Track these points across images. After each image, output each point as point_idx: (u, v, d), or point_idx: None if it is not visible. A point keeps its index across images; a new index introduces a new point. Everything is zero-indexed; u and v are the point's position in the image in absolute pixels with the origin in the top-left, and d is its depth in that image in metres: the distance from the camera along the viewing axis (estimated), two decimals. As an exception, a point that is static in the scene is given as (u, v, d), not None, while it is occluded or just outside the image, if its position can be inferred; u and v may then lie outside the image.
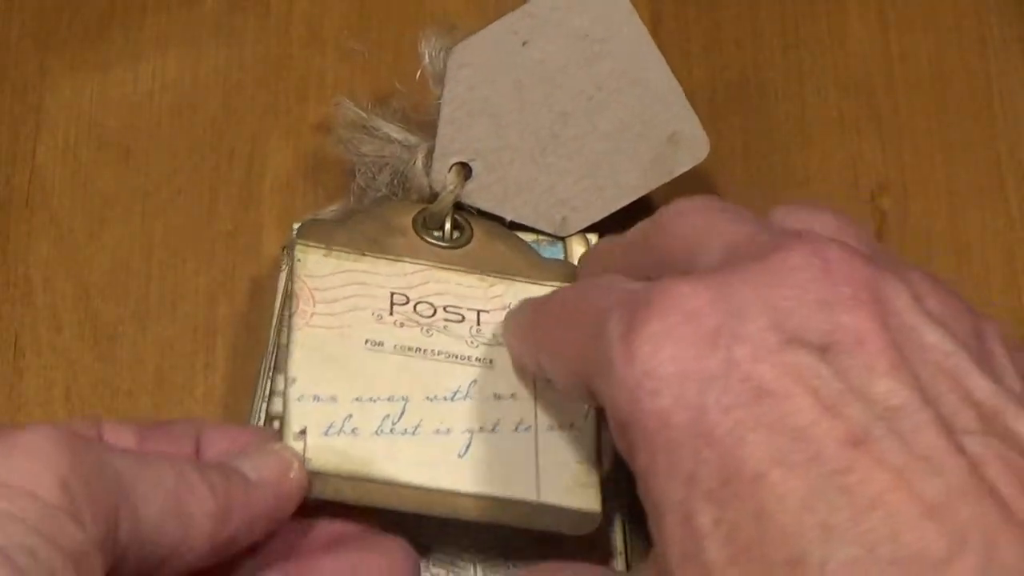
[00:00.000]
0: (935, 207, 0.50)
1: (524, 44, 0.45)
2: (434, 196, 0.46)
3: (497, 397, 0.43)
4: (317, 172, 0.50)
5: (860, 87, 0.51)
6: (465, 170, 0.47)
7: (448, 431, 0.42)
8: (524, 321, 0.42)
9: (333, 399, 0.42)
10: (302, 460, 0.40)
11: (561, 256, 0.47)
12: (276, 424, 0.43)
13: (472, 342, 0.44)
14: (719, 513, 0.32)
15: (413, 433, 0.42)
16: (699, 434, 0.32)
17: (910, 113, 0.51)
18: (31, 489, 0.32)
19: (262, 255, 0.49)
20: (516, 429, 0.42)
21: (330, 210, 0.48)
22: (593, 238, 0.47)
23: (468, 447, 0.42)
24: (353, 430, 0.42)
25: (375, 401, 0.43)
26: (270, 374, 0.45)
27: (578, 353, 0.36)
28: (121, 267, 0.49)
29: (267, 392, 0.45)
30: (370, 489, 0.41)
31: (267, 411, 0.44)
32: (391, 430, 0.42)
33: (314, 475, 0.40)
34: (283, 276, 0.46)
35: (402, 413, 0.43)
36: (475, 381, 0.43)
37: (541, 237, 0.47)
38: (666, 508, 0.33)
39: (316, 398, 0.42)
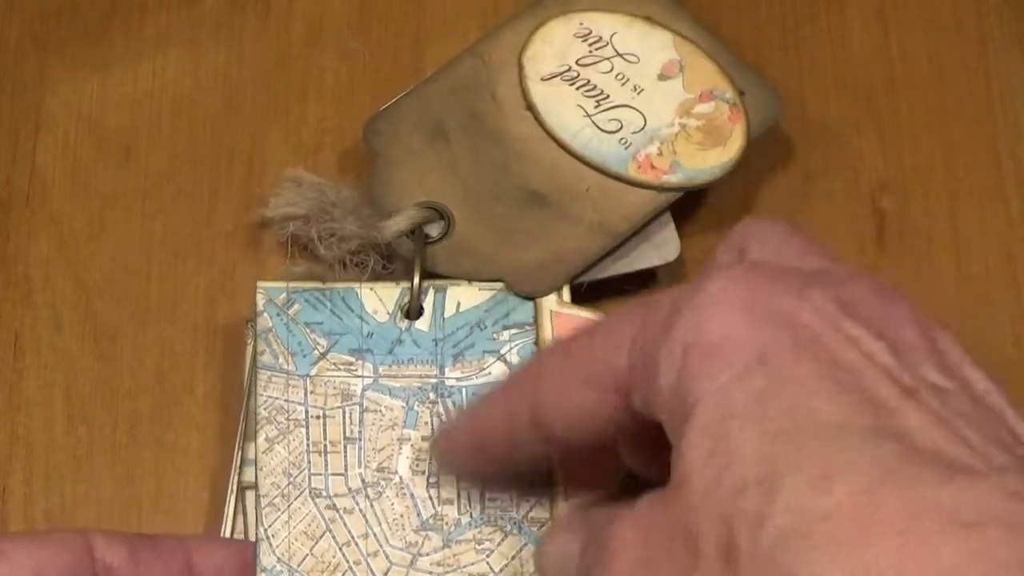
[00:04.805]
0: (935, 207, 0.50)
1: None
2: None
3: None
4: (316, 172, 0.50)
5: (860, 87, 0.51)
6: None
7: None
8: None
9: None
10: None
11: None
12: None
13: None
14: None
15: None
16: None
17: (910, 113, 0.51)
18: None
19: (262, 255, 0.49)
20: None
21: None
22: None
23: None
24: None
25: None
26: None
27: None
28: (121, 267, 0.49)
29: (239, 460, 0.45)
30: None
31: (238, 481, 0.44)
32: None
33: None
34: (249, 348, 0.46)
35: None
36: None
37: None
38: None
39: None
